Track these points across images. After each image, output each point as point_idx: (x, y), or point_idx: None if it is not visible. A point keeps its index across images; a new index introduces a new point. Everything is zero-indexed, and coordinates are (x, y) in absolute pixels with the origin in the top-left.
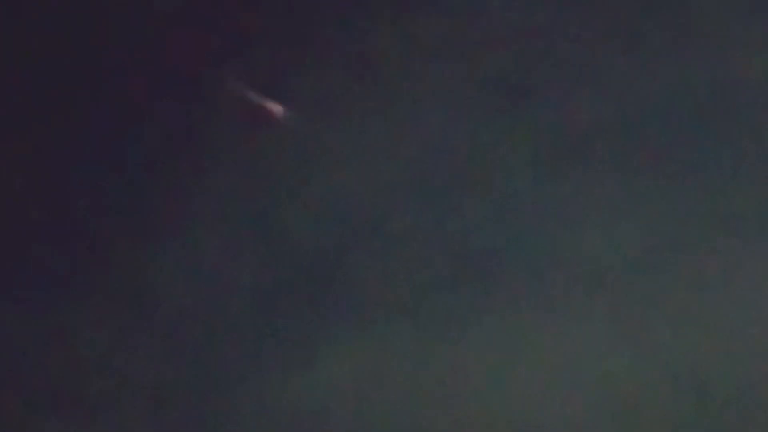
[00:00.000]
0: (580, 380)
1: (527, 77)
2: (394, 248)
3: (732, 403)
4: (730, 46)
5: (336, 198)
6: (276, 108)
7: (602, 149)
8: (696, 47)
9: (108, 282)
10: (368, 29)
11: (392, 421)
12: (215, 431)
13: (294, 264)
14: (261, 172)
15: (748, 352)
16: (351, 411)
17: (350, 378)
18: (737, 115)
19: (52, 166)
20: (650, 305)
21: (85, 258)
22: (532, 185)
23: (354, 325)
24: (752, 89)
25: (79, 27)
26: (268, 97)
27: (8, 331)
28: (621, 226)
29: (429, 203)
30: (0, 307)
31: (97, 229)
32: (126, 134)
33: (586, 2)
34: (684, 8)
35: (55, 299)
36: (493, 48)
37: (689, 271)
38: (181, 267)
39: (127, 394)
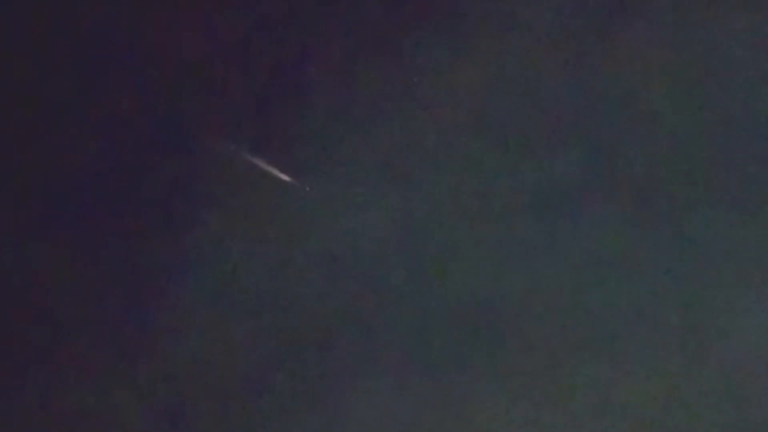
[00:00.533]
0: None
1: (524, 129)
2: (397, 303)
3: None
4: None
5: (339, 254)
6: (280, 173)
7: (594, 201)
8: (690, 106)
9: (103, 346)
10: (369, 86)
11: None
12: None
13: (295, 327)
14: (262, 237)
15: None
16: None
17: None
18: (729, 165)
19: (47, 231)
20: (649, 356)
21: (81, 320)
22: (532, 236)
23: (360, 382)
24: (744, 137)
25: (90, 86)
26: (273, 162)
27: None
28: (619, 276)
29: (431, 257)
30: None
31: (93, 294)
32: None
33: (578, 62)
34: (676, 69)
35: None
36: (492, 101)
37: (687, 321)
38: (179, 330)
39: None
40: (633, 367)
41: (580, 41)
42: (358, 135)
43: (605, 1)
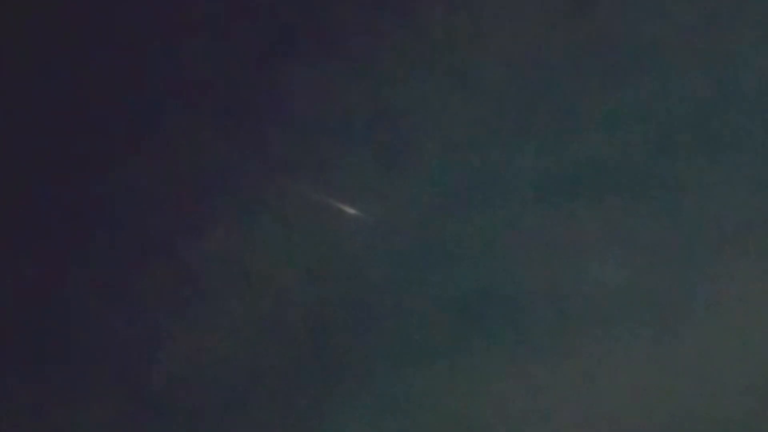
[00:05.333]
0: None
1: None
2: (398, 294)
3: None
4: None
5: (339, 245)
6: (348, 210)
7: (599, 183)
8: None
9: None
10: (370, 77)
11: None
12: None
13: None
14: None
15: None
16: None
17: None
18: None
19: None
20: (647, 338)
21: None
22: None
23: (362, 371)
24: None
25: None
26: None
27: None
28: (616, 261)
29: (434, 247)
30: None
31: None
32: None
33: (583, 45)
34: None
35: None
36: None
37: (685, 303)
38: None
39: None
40: (629, 348)
41: (577, 24)
42: (357, 125)
43: None
